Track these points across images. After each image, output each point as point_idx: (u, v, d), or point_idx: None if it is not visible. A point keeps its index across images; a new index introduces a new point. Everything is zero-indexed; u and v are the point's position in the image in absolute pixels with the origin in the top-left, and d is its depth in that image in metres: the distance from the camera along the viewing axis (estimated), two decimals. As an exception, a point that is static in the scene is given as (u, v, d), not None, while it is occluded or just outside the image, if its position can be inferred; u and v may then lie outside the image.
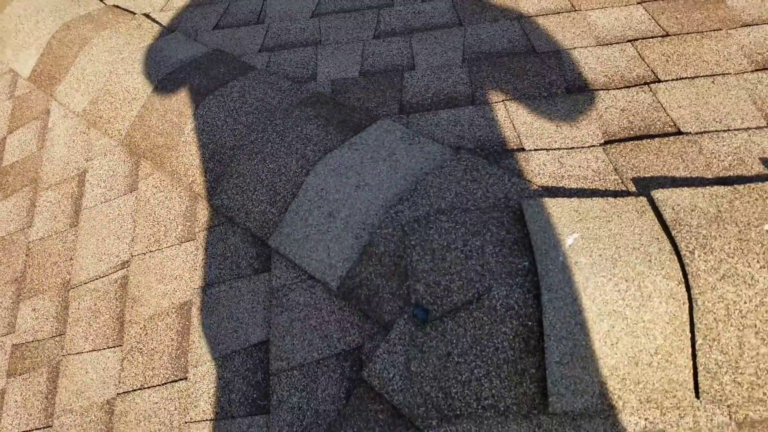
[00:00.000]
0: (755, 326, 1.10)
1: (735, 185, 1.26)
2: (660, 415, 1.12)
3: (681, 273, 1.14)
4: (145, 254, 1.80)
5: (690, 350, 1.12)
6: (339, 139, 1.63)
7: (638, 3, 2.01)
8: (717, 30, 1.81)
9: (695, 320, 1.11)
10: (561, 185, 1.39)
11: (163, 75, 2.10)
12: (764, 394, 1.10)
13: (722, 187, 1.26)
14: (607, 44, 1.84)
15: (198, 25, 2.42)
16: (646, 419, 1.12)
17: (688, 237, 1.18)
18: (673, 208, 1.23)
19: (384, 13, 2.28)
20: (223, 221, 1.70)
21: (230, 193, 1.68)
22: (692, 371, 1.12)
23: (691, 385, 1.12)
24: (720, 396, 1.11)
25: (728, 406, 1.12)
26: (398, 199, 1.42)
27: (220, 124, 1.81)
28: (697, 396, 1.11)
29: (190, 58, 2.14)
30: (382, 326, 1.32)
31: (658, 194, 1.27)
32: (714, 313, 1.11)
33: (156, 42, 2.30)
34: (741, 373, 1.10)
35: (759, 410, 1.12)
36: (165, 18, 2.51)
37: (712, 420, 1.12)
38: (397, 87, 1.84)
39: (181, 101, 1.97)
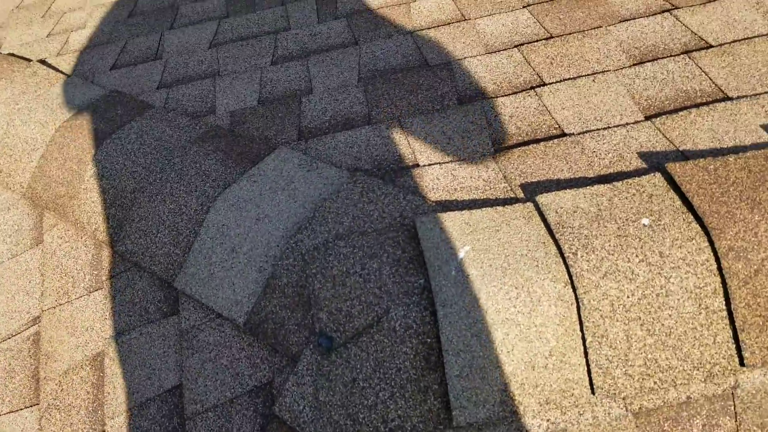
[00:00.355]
0: (639, 319, 1.15)
1: (614, 183, 1.31)
2: (560, 414, 1.16)
3: (567, 274, 1.18)
4: (55, 308, 1.75)
5: (582, 349, 1.15)
6: (238, 172, 1.62)
7: (523, 7, 2.07)
8: (597, 27, 1.88)
9: (583, 319, 1.15)
10: (454, 198, 1.42)
11: (60, 122, 2.05)
12: (655, 383, 1.14)
13: (602, 185, 1.31)
14: (495, 51, 1.89)
15: (95, 66, 2.37)
16: (547, 420, 1.16)
17: (571, 239, 1.22)
18: (556, 212, 1.28)
19: (281, 37, 2.28)
20: (129, 267, 1.67)
21: (134, 237, 1.66)
22: (586, 369, 1.15)
23: (587, 383, 1.15)
24: (614, 390, 1.15)
25: (623, 399, 1.16)
26: (298, 228, 1.43)
27: (119, 168, 1.79)
28: (593, 392, 1.15)
29: (88, 102, 2.11)
30: (291, 358, 1.32)
31: (542, 199, 1.31)
32: (600, 310, 1.15)
33: (53, 89, 2.25)
34: (631, 366, 1.15)
35: (652, 399, 1.16)
36: (62, 63, 2.45)
37: (609, 414, 1.16)
38: (295, 113, 1.85)
39: (79, 148, 1.93)
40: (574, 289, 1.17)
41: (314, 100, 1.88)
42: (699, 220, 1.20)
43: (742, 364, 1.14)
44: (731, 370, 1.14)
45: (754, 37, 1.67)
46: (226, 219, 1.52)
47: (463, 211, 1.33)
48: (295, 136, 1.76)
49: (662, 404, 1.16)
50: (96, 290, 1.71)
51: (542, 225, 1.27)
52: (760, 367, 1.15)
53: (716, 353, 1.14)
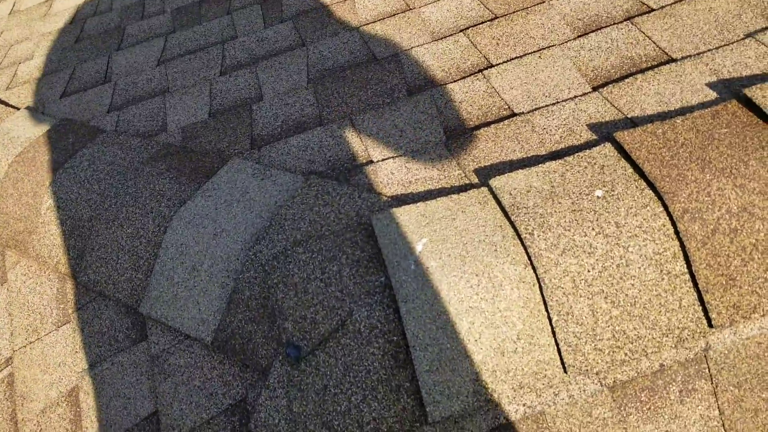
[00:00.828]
0: (603, 292, 1.14)
1: (565, 158, 1.30)
2: (536, 397, 1.14)
3: (525, 255, 1.17)
4: (26, 347, 1.72)
5: (549, 328, 1.14)
6: (192, 189, 1.60)
7: (467, -10, 2.06)
8: (540, 3, 1.86)
9: (546, 299, 1.14)
10: (410, 191, 1.40)
11: (12, 157, 2.01)
12: (626, 354, 1.14)
13: (554, 162, 1.30)
14: (441, 38, 1.87)
15: (45, 96, 2.33)
16: (524, 405, 1.15)
17: (526, 219, 1.20)
18: (510, 193, 1.26)
19: (228, 47, 2.25)
20: (94, 297, 1.64)
21: (95, 266, 1.63)
22: (556, 348, 1.14)
23: (558, 362, 1.14)
24: (586, 366, 1.14)
25: (596, 374, 1.15)
26: (256, 238, 1.41)
27: (74, 197, 1.75)
28: (565, 371, 1.14)
29: (39, 133, 2.07)
30: (261, 372, 1.30)
31: (495, 182, 1.29)
32: (562, 288, 1.14)
33: (3, 124, 2.20)
34: (600, 340, 1.14)
35: (625, 371, 1.15)
36: (12, 96, 2.41)
37: (585, 390, 1.15)
38: (246, 122, 1.82)
39: (34, 181, 1.90)
40: (535, 270, 1.16)
41: (265, 106, 1.86)
42: (651, 185, 1.19)
43: (710, 325, 1.13)
44: (701, 332, 1.14)
45: (695, -5, 1.66)
46: (183, 237, 1.50)
47: (419, 204, 1.31)
48: (247, 145, 1.73)
49: (636, 375, 1.15)
50: (64, 324, 1.68)
51: (498, 208, 1.26)
52: (728, 327, 1.14)
53: (683, 317, 1.14)
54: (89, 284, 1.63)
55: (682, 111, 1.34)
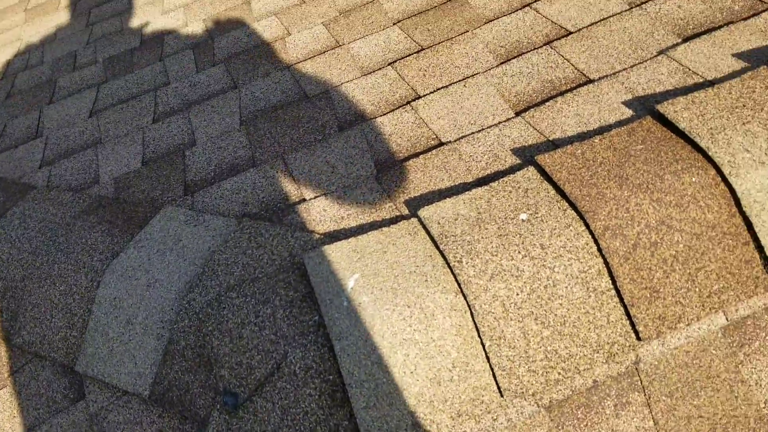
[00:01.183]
0: (532, 314, 1.15)
1: (491, 184, 1.32)
2: (475, 424, 1.14)
3: (456, 283, 1.18)
4: (-38, 416, 1.66)
5: (483, 354, 1.15)
6: (125, 240, 1.57)
7: (394, 24, 2.09)
8: (464, 33, 1.90)
9: (478, 324, 1.14)
10: (342, 227, 1.40)
11: (-59, 220, 1.96)
12: (559, 374, 1.15)
13: (480, 188, 1.32)
14: (370, 72, 1.90)
15: (-25, 155, 2.28)
16: (464, 433, 1.14)
17: (455, 247, 1.21)
18: (438, 223, 1.27)
19: (161, 93, 2.24)
20: (30, 358, 1.60)
21: (29, 327, 1.58)
22: (491, 373, 1.15)
23: (494, 387, 1.15)
24: (521, 389, 1.14)
25: (532, 395, 1.16)
26: (190, 287, 1.39)
27: (5, 258, 1.71)
28: (502, 395, 1.14)
29: (-32, 194, 2.02)
30: (200, 423, 1.28)
31: (424, 212, 1.30)
32: (493, 312, 1.15)
33: (-70, 186, 2.15)
34: (533, 361, 1.14)
35: (560, 390, 1.16)
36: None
37: (522, 413, 1.15)
38: (180, 168, 1.81)
39: (-37, 243, 1.85)
40: (465, 297, 1.16)
41: (198, 151, 1.85)
42: (573, 205, 1.21)
43: (638, 338, 1.15)
44: (630, 346, 1.15)
45: (609, 17, 1.72)
46: (117, 291, 1.47)
47: (350, 239, 1.31)
48: (181, 191, 1.72)
49: (571, 393, 1.16)
50: (1, 389, 1.63)
51: (428, 238, 1.27)
52: (656, 338, 1.16)
53: (612, 332, 1.15)
54: (24, 346, 1.59)
55: (601, 130, 1.38)
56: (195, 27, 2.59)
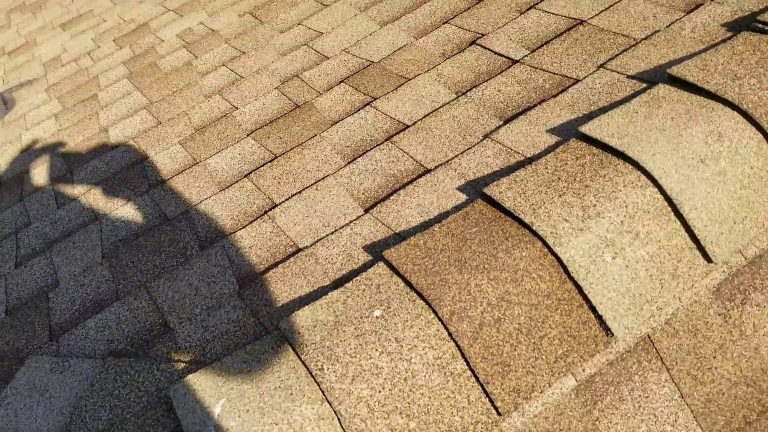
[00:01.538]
0: (397, 408, 1.19)
1: (345, 284, 1.37)
2: None
3: (320, 392, 1.20)
4: None
5: (356, 458, 1.16)
6: (-13, 401, 1.50)
7: (247, 135, 2.16)
8: (313, 137, 1.99)
9: (345, 430, 1.17)
10: (208, 351, 1.40)
11: None
12: (432, 462, 1.18)
13: (336, 290, 1.36)
14: (228, 186, 1.94)
15: None
16: None
17: (315, 355, 1.24)
18: (298, 332, 1.30)
19: (22, 235, 2.19)
20: None
21: None
22: (367, 475, 1.16)
23: (372, 488, 1.16)
24: (398, 485, 1.16)
25: (410, 489, 1.18)
26: (57, 440, 1.34)
27: None
28: (380, 495, 1.16)
29: None
30: None
31: (284, 324, 1.33)
32: (359, 414, 1.18)
33: None
34: (405, 455, 1.17)
35: (436, 477, 1.19)
36: None
37: None
38: (44, 312, 1.76)
39: None
40: (330, 404, 1.18)
41: (61, 292, 1.81)
42: (421, 295, 1.27)
43: (498, 413, 1.21)
44: (493, 422, 1.21)
45: (440, 107, 1.85)
46: (-20, 459, 1.39)
47: (215, 363, 1.32)
48: (46, 337, 1.67)
49: (448, 479, 1.19)
50: None
51: (290, 350, 1.29)
52: (515, 410, 1.22)
53: (475, 412, 1.20)
54: None
55: (440, 218, 1.47)
56: (54, 161, 2.56)
